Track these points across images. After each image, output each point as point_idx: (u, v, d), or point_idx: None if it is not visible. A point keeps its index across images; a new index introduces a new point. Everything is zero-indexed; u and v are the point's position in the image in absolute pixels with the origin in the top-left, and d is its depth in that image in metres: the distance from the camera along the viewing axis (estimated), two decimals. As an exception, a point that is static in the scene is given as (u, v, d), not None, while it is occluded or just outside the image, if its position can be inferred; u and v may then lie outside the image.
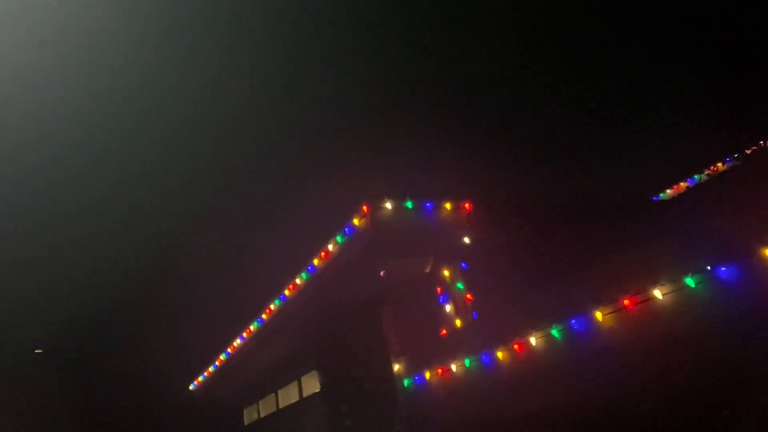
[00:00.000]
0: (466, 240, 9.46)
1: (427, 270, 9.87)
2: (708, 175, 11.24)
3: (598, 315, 6.57)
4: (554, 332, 7.08)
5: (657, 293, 6.05)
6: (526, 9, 12.10)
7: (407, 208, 9.37)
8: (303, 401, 13.82)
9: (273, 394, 15.59)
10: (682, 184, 12.07)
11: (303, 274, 10.98)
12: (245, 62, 13.95)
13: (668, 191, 12.22)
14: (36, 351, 22.92)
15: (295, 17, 13.42)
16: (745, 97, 10.73)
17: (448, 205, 9.56)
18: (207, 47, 14.00)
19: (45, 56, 13.00)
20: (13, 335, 20.97)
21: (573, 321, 6.85)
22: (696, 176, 11.90)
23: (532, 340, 7.37)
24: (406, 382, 9.72)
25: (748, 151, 10.20)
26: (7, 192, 15.82)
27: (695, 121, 11.71)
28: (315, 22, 13.50)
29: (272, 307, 12.35)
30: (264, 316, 12.76)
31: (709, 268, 5.66)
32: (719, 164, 11.18)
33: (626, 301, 6.31)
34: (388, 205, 9.27)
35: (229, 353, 15.08)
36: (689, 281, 5.81)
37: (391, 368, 10.01)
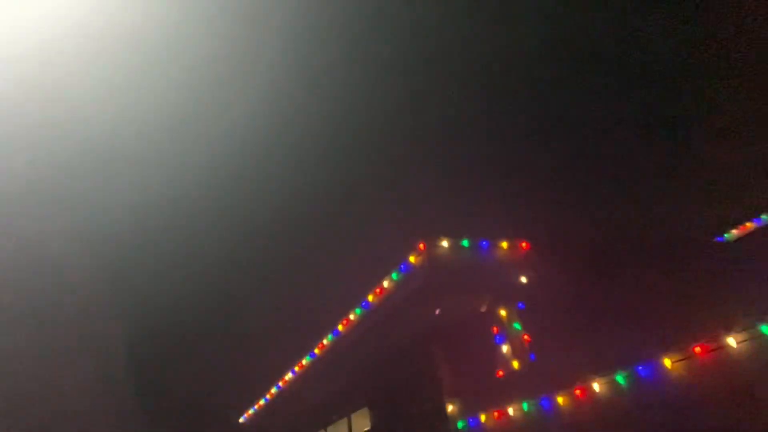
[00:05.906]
0: (523, 279, 9.36)
1: (483, 309, 9.77)
2: None
3: (667, 362, 6.33)
4: (619, 378, 6.86)
5: (731, 341, 5.81)
6: (580, 52, 12.15)
7: (464, 246, 9.36)
8: (353, 439, 13.69)
9: (322, 431, 15.51)
10: (748, 224, 11.65)
11: (357, 310, 11.03)
12: (314, 98, 14.37)
13: (733, 231, 11.80)
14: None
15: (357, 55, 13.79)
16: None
17: (504, 244, 9.51)
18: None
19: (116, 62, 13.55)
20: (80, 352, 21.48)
21: (639, 367, 6.63)
22: (763, 216, 11.47)
23: (595, 386, 7.16)
24: (460, 424, 9.54)
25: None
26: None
27: (761, 160, 11.35)
28: (372, 59, 13.84)
29: (325, 341, 12.41)
30: (317, 351, 12.82)
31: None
32: None
33: (697, 349, 6.08)
34: (445, 243, 9.27)
35: (280, 387, 15.17)
36: (765, 329, 5.57)
37: (445, 409, 9.86)
